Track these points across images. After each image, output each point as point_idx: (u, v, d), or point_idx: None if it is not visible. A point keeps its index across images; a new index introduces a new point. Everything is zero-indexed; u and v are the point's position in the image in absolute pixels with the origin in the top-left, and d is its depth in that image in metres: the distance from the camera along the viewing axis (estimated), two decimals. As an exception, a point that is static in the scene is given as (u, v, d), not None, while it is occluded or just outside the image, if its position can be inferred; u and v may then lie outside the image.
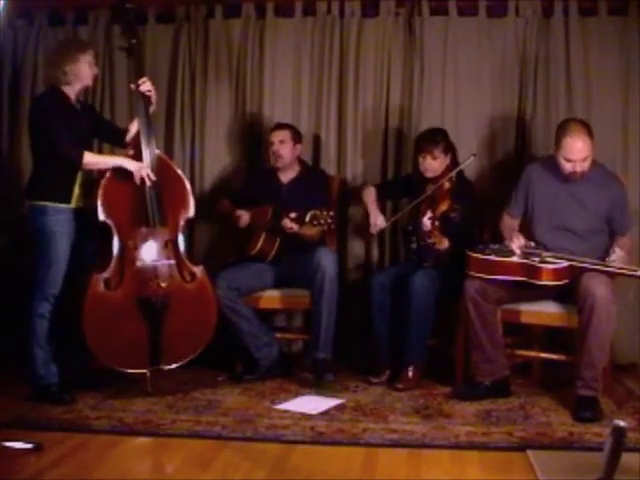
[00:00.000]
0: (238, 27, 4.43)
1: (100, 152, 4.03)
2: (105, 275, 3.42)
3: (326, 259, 3.73)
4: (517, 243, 3.45)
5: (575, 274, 3.34)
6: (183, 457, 2.87)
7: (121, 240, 3.46)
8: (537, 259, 3.35)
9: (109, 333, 3.39)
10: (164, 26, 4.49)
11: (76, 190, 3.45)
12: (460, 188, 3.76)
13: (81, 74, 3.45)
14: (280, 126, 4.09)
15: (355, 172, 4.39)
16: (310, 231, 3.83)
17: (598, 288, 3.23)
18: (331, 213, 3.61)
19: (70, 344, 3.52)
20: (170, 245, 3.55)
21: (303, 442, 2.96)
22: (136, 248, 3.48)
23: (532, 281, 3.35)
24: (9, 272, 4.24)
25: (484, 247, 3.51)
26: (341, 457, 2.83)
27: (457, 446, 2.92)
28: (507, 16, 4.24)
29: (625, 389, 3.69)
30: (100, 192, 3.42)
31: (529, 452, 2.83)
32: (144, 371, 3.45)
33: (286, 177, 4.07)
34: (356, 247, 4.38)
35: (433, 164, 3.80)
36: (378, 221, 3.88)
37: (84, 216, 3.47)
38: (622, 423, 2.13)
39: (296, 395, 3.57)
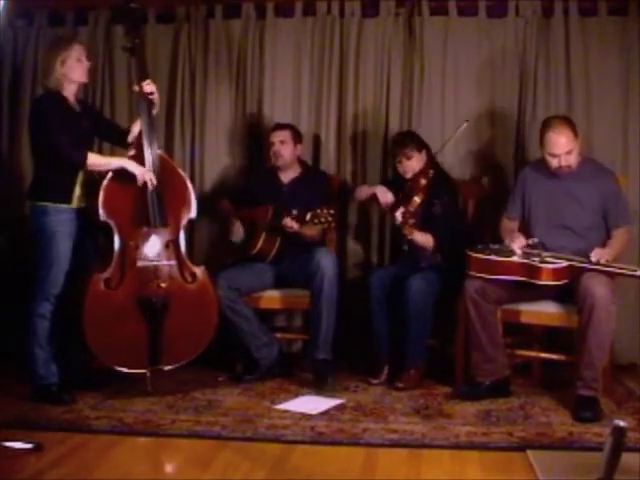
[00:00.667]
0: (238, 27, 4.43)
1: (100, 152, 4.02)
2: (106, 275, 3.42)
3: (326, 259, 3.74)
4: (518, 243, 3.46)
5: (575, 274, 3.35)
6: (183, 457, 2.87)
7: (122, 240, 3.46)
8: (537, 259, 3.36)
9: (109, 333, 3.39)
10: (164, 26, 4.48)
11: (77, 190, 3.45)
12: (439, 183, 3.76)
13: (71, 73, 3.42)
14: (280, 126, 4.09)
15: (355, 172, 4.39)
16: (310, 231, 3.84)
17: (598, 288, 3.23)
18: (332, 211, 3.61)
19: (70, 344, 3.52)
20: (171, 246, 3.55)
21: (303, 442, 2.96)
22: (137, 248, 3.48)
23: (532, 281, 3.36)
24: (9, 272, 4.23)
25: (484, 247, 3.53)
26: (341, 457, 2.83)
27: (457, 446, 2.92)
28: (507, 16, 4.24)
29: (625, 389, 3.69)
30: (102, 192, 3.42)
31: (529, 452, 2.83)
32: (144, 371, 3.46)
33: (287, 177, 4.08)
34: (356, 246, 4.39)
35: (409, 164, 3.84)
36: (388, 198, 3.85)
37: (85, 216, 3.47)
38: (622, 423, 2.13)
39: (296, 395, 3.57)
